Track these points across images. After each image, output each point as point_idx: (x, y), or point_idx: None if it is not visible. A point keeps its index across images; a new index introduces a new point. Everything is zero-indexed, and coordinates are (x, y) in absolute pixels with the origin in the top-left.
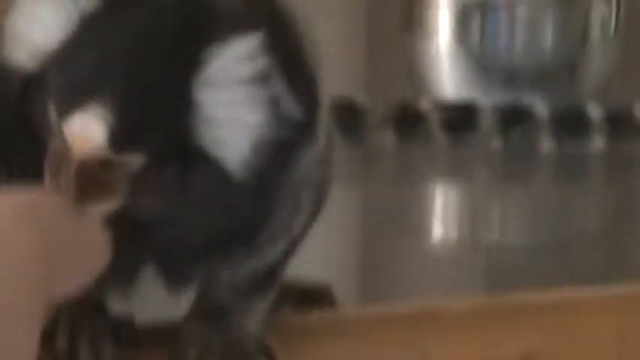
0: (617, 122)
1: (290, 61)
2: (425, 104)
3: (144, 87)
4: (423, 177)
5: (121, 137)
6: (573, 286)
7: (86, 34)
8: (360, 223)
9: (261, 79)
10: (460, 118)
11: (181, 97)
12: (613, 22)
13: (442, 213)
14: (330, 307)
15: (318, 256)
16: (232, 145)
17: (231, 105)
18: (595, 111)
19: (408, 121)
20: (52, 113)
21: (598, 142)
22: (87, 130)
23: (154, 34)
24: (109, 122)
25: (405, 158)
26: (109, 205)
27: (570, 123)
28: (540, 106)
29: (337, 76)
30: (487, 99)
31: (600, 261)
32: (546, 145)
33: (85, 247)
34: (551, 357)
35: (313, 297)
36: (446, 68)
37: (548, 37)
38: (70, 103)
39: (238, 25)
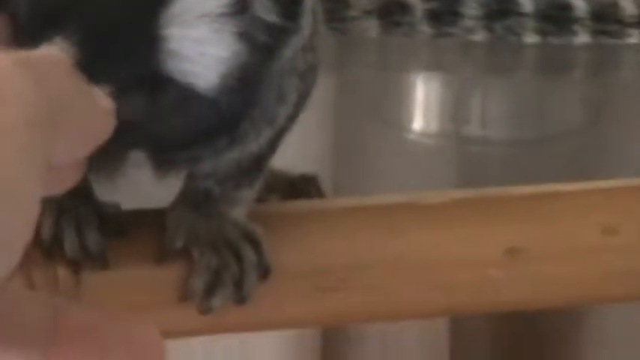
0: (602, 17)
1: None
2: None
3: (109, 21)
4: (405, 68)
5: (84, 71)
6: (557, 181)
7: None
8: (341, 113)
9: (230, 12)
10: (444, 9)
11: (148, 32)
12: None
13: (424, 105)
14: (316, 197)
15: (298, 144)
16: (201, 77)
17: (198, 41)
18: (580, 5)
19: (392, 11)
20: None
21: (583, 37)
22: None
23: None
24: (73, 56)
25: (388, 49)
26: None
27: (555, 17)
28: (525, 0)
29: None
30: None
31: (582, 156)
32: (530, 38)
33: (90, 110)
34: (535, 251)
35: (300, 187)
36: None
37: None
38: (35, 36)
39: None
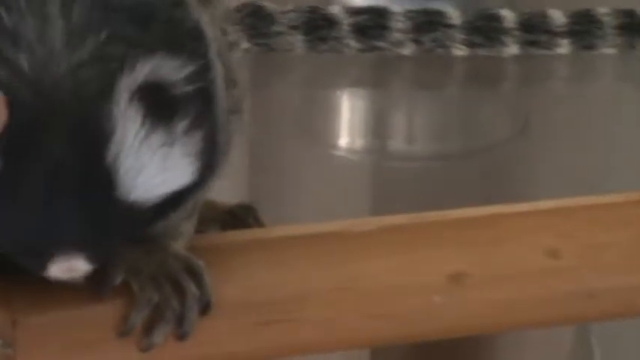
0: (530, 27)
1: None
2: (335, 9)
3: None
4: (332, 84)
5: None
6: (487, 195)
7: None
8: (266, 130)
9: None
10: (371, 22)
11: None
12: None
13: (351, 121)
14: (255, 226)
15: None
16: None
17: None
18: (508, 16)
19: (318, 26)
20: None
21: (512, 48)
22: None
23: None
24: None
25: (315, 64)
26: None
27: (484, 28)
28: (453, 12)
29: None
30: (394, 6)
31: (512, 168)
32: (459, 51)
33: None
34: (479, 276)
35: (239, 217)
36: None
37: None
38: None
39: None
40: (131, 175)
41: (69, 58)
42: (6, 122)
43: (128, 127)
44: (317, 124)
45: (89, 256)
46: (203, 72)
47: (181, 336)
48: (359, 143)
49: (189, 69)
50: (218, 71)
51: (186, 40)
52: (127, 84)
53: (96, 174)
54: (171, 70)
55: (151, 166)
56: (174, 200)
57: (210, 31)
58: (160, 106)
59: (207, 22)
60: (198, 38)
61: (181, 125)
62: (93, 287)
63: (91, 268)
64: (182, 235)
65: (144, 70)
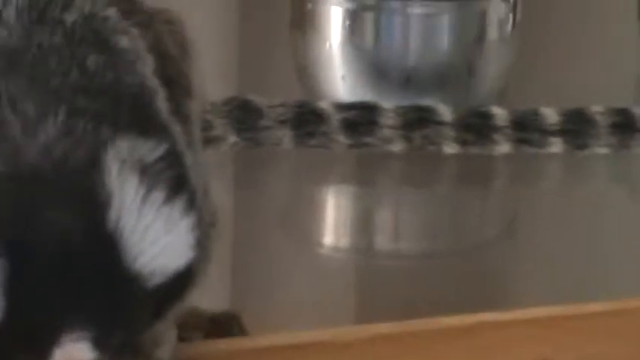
0: (523, 125)
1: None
2: (324, 104)
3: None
4: (321, 180)
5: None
6: (489, 305)
7: None
8: (253, 229)
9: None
10: (361, 119)
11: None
12: (510, 20)
13: (337, 219)
14: (239, 335)
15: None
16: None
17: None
18: (500, 114)
19: (307, 120)
20: None
21: (504, 146)
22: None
23: None
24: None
25: (303, 160)
26: None
27: (475, 126)
28: (443, 109)
29: (224, 76)
30: (383, 101)
31: (500, 269)
32: (450, 148)
33: None
34: None
35: (223, 326)
36: (339, 69)
37: (444, 37)
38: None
39: None
40: (135, 239)
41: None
42: None
43: (125, 192)
44: (303, 222)
45: (95, 341)
46: (176, 158)
47: None
48: (345, 242)
49: (162, 151)
50: (191, 163)
51: (154, 126)
52: (114, 154)
53: (99, 243)
54: (147, 150)
55: (154, 228)
56: (177, 284)
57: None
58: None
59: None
60: (165, 127)
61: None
62: None
63: (94, 357)
64: (166, 342)
65: (124, 144)
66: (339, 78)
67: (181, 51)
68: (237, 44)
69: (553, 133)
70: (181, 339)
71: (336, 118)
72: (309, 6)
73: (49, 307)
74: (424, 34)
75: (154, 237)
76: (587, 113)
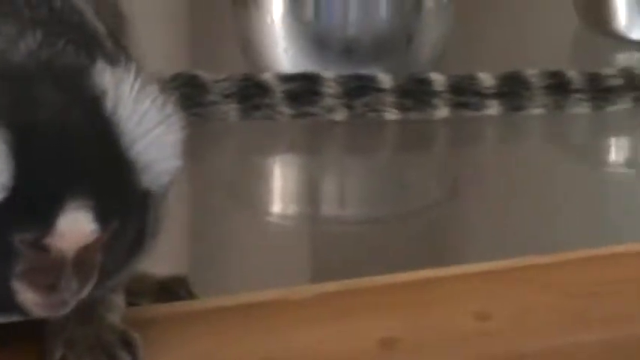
0: (460, 90)
1: None
2: (267, 77)
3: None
4: (267, 151)
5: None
6: (432, 266)
7: None
8: (203, 201)
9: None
10: (303, 89)
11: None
12: None
13: (283, 187)
14: (187, 298)
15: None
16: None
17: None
18: (438, 80)
19: (251, 94)
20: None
21: (443, 111)
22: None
23: None
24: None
25: (249, 132)
26: None
27: (414, 91)
28: (383, 77)
29: (172, 52)
30: (325, 72)
31: (443, 232)
32: (391, 115)
33: None
34: (410, 341)
35: (170, 289)
36: (282, 42)
37: (382, 7)
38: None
39: None
40: (131, 127)
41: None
42: None
43: (120, 88)
44: (252, 192)
45: (98, 213)
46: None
47: None
48: (293, 209)
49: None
50: None
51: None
52: (102, 63)
53: (96, 125)
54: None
55: (148, 120)
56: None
57: None
58: None
59: None
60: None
61: None
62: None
63: (95, 230)
64: (116, 307)
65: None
66: (282, 50)
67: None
68: (187, 22)
69: (489, 97)
70: (131, 304)
71: (279, 89)
72: None
73: (53, 176)
74: (363, 4)
75: (148, 128)
76: (522, 76)
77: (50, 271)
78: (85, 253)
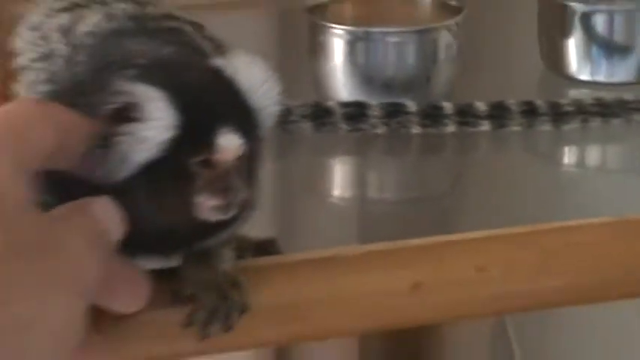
0: (463, 113)
1: None
2: (331, 103)
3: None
4: (330, 154)
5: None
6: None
7: None
8: (284, 188)
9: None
10: (356, 112)
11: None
12: (455, 47)
13: (343, 179)
14: (275, 254)
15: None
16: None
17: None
18: (448, 106)
19: (320, 114)
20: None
21: (451, 127)
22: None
23: None
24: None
25: (318, 142)
26: None
27: (431, 115)
28: (410, 104)
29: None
30: (371, 100)
31: (449, 212)
32: (415, 130)
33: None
34: (430, 285)
35: (265, 248)
36: (341, 79)
37: (411, 58)
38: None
39: None
40: (247, 83)
41: None
42: None
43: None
44: (319, 182)
45: (241, 133)
46: None
47: (227, 329)
48: (347, 194)
49: None
50: None
51: None
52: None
53: (226, 84)
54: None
55: (257, 77)
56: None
57: None
58: None
59: None
60: None
61: None
62: (170, 296)
63: (242, 143)
64: (228, 259)
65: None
66: (341, 85)
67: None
68: (275, 63)
69: (483, 118)
70: (238, 257)
71: (339, 112)
72: (320, 38)
73: (208, 113)
74: (397, 54)
75: (258, 86)
76: (505, 104)
77: (221, 180)
78: (238, 163)
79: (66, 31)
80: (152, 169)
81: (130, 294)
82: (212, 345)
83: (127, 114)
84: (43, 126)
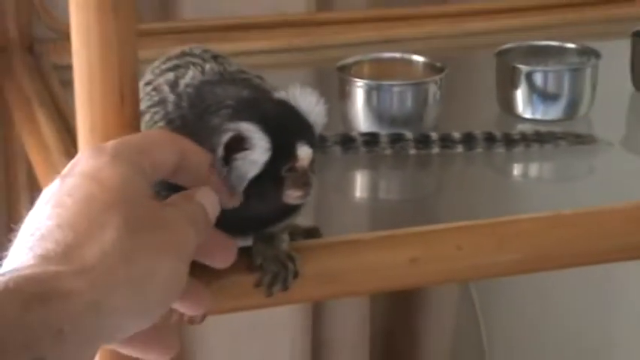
0: (444, 140)
1: None
2: (354, 133)
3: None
4: (354, 170)
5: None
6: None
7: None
8: (322, 194)
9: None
10: (370, 140)
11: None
12: (439, 95)
13: (360, 184)
14: (318, 238)
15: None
16: None
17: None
18: (433, 135)
19: (346, 141)
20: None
21: (435, 149)
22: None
23: None
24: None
25: (346, 162)
26: None
27: (423, 141)
28: (408, 134)
29: None
30: (382, 131)
31: (434, 209)
32: (412, 151)
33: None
34: (426, 260)
35: (310, 233)
36: (361, 116)
37: (409, 102)
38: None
39: None
40: (307, 109)
41: None
42: None
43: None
44: (346, 187)
45: (310, 144)
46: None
47: (285, 289)
48: (364, 195)
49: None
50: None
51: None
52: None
53: (293, 111)
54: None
55: (310, 102)
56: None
57: None
58: None
59: None
60: None
61: None
62: (245, 266)
63: (312, 152)
64: (285, 240)
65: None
66: (361, 122)
67: None
68: None
69: (457, 143)
70: (291, 239)
71: (360, 140)
72: (347, 88)
73: (288, 135)
74: (400, 100)
75: (312, 108)
76: (472, 134)
77: (302, 178)
78: (310, 166)
79: (172, 84)
80: (258, 178)
81: (222, 254)
82: (275, 301)
83: (238, 144)
84: (165, 148)
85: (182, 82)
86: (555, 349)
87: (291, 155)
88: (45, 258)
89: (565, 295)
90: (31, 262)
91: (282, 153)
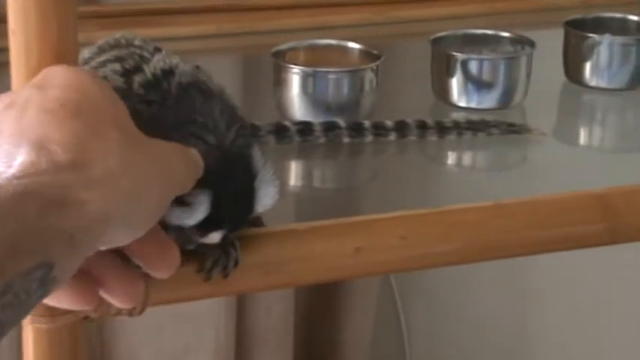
0: (377, 128)
1: None
2: (287, 122)
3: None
4: (288, 159)
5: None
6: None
7: None
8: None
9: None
10: (304, 128)
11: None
12: (375, 83)
13: (302, 173)
14: (260, 226)
15: None
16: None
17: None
18: (367, 123)
19: (279, 131)
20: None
21: (369, 137)
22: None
23: None
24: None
25: (279, 153)
26: None
27: (357, 129)
28: (341, 122)
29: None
30: (316, 120)
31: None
32: (346, 139)
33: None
34: (370, 249)
35: (253, 222)
36: (296, 104)
37: (344, 90)
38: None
39: None
40: (261, 193)
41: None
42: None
43: (260, 164)
44: (283, 178)
45: (227, 230)
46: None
47: (225, 276)
48: (300, 184)
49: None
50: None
51: None
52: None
53: (251, 189)
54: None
55: (267, 183)
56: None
57: None
58: None
59: None
60: None
61: None
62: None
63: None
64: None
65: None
66: (296, 109)
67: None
68: (243, 93)
69: (390, 130)
70: None
71: (293, 129)
72: (282, 74)
73: (234, 208)
74: (335, 87)
75: (267, 190)
76: (406, 122)
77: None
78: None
79: (124, 75)
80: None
81: (166, 259)
82: (217, 290)
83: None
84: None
85: (136, 79)
86: (474, 337)
87: (205, 235)
88: (56, 165)
89: (484, 284)
90: (44, 166)
91: (203, 224)
